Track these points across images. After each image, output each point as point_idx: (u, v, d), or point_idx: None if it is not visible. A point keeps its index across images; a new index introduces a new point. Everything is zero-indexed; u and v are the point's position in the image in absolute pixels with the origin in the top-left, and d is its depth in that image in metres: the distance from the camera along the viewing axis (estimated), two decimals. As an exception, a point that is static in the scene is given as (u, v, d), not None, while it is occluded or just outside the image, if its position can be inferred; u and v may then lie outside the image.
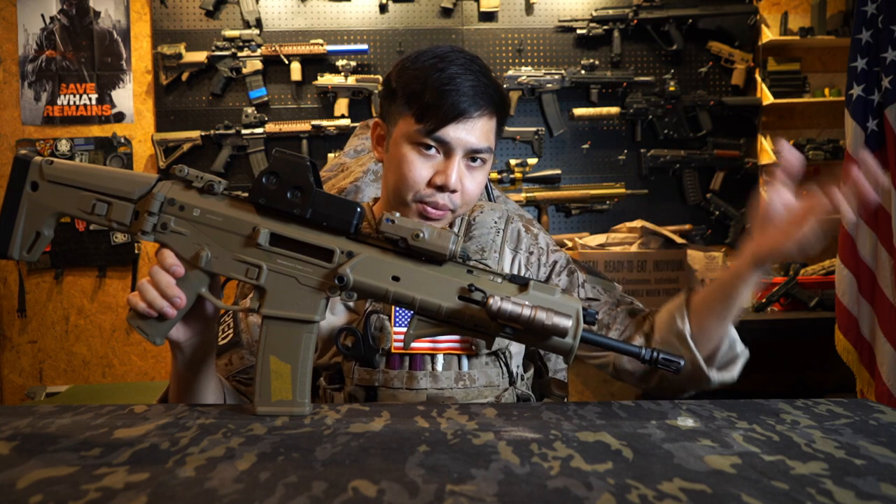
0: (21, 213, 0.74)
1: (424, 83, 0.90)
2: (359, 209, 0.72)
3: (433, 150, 0.92)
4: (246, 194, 0.74)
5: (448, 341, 0.97)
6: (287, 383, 0.71)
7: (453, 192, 0.92)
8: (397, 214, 0.71)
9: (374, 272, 0.71)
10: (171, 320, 0.75)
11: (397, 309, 0.95)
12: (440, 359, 0.97)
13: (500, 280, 0.72)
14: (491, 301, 0.66)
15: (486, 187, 1.31)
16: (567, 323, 0.66)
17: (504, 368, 1.00)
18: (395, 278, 0.71)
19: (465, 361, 0.97)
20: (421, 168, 0.92)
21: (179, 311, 0.74)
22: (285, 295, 0.72)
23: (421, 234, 0.70)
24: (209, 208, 0.73)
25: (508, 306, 0.66)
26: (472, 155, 0.93)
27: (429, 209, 0.93)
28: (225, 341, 0.98)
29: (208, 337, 0.82)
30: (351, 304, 0.99)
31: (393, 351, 0.95)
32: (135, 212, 0.73)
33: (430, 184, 0.92)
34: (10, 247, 0.74)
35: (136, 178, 0.74)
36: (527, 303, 0.67)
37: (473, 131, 0.91)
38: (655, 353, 0.73)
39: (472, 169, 0.94)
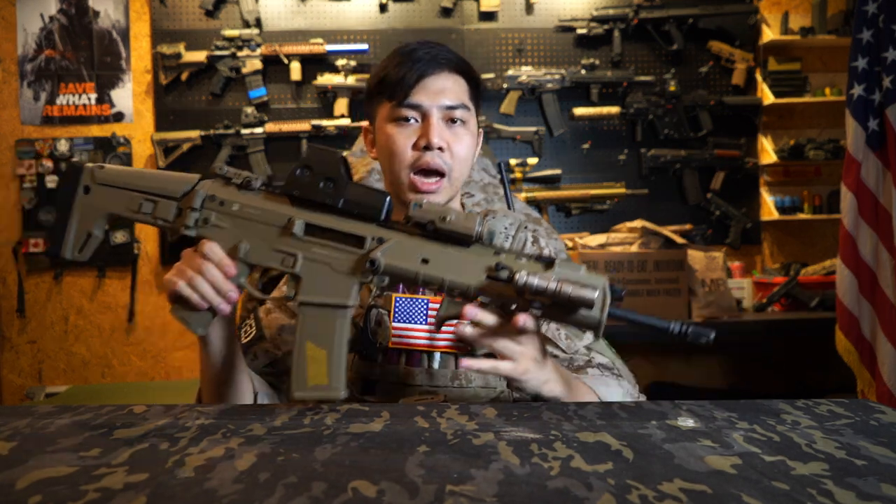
0: (74, 215, 0.79)
1: (386, 66, 0.99)
2: (388, 198, 0.75)
3: (412, 121, 0.97)
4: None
5: (446, 339, 0.97)
6: (323, 368, 0.74)
7: (440, 149, 0.95)
8: (425, 199, 0.75)
9: (405, 256, 0.73)
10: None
11: (397, 304, 0.97)
12: (437, 356, 0.97)
13: (525, 260, 0.74)
14: (517, 276, 0.69)
15: (506, 193, 1.31)
16: (593, 295, 0.68)
17: None
18: (425, 261, 0.73)
19: (459, 360, 0.97)
20: (403, 138, 0.96)
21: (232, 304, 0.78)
22: (320, 282, 0.75)
23: (449, 217, 0.72)
24: (247, 202, 0.77)
25: (535, 280, 0.68)
26: (448, 116, 0.97)
27: (419, 180, 0.95)
28: (248, 339, 1.02)
29: (234, 327, 0.86)
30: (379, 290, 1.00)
31: (390, 346, 0.96)
32: (178, 209, 0.78)
33: (415, 147, 0.96)
34: (64, 248, 0.79)
35: (180, 177, 0.79)
36: (553, 277, 0.69)
37: (440, 89, 0.97)
38: (685, 327, 0.73)
39: (454, 129, 0.98)
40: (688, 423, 0.67)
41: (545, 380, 0.80)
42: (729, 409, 0.74)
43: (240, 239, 0.77)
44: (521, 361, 0.76)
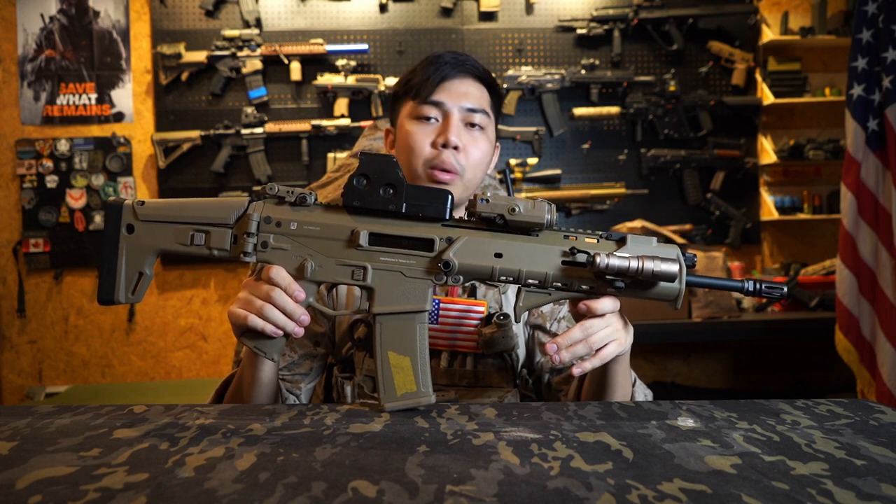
0: (121, 256, 0.75)
1: (413, 70, 1.01)
2: (450, 195, 0.74)
3: (433, 120, 0.98)
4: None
5: (456, 339, 0.98)
6: (409, 375, 0.73)
7: (456, 149, 0.96)
8: (489, 193, 0.73)
9: (477, 253, 0.73)
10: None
11: None
12: (445, 355, 0.98)
13: (597, 240, 0.73)
14: (598, 259, 0.68)
15: (508, 194, 1.32)
16: (674, 268, 0.68)
17: (510, 370, 1.00)
18: (498, 255, 0.72)
19: (469, 360, 0.98)
20: (423, 135, 0.98)
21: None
22: (394, 290, 0.74)
23: (517, 209, 0.71)
24: (305, 220, 0.75)
25: (616, 261, 0.68)
26: (468, 119, 0.98)
27: (436, 173, 0.96)
28: None
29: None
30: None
31: None
32: (233, 236, 0.75)
33: (433, 145, 0.97)
34: (116, 292, 0.75)
35: (229, 203, 0.76)
36: (631, 255, 0.68)
37: (463, 92, 0.99)
38: (759, 285, 0.74)
39: (472, 133, 0.99)
40: (688, 423, 0.67)
41: (631, 337, 0.81)
42: (729, 409, 0.74)
43: (303, 258, 0.74)
44: (618, 337, 0.77)
